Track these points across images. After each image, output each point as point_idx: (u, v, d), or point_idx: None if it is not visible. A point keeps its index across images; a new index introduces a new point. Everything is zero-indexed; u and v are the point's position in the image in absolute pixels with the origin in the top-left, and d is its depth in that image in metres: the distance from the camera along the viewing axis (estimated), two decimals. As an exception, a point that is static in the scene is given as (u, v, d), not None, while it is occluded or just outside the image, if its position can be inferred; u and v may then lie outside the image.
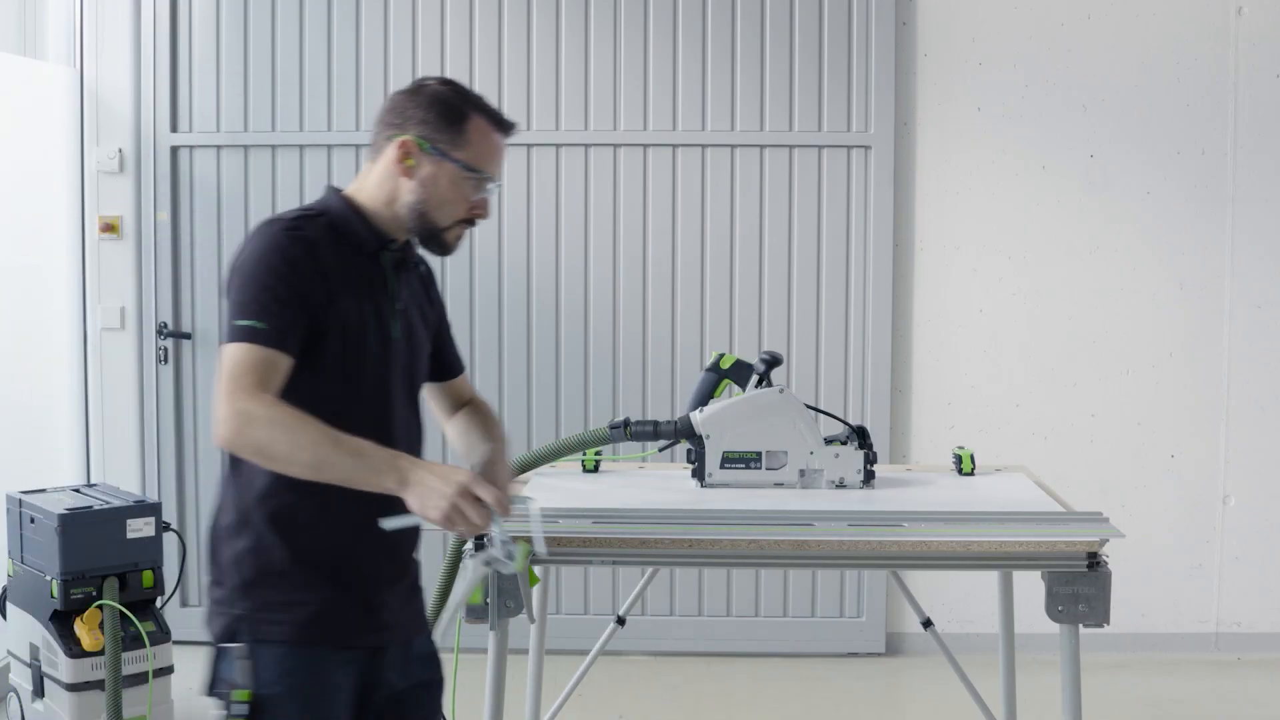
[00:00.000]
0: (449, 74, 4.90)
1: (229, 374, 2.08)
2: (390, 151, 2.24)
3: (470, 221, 2.30)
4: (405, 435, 2.34)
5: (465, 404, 2.66)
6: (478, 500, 2.06)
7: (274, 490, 2.16)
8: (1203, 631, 5.04)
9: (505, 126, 2.29)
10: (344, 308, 2.18)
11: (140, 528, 3.98)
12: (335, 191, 2.28)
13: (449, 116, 2.24)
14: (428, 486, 2.05)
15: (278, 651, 2.16)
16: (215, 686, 2.18)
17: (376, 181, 2.26)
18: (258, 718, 2.14)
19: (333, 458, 2.05)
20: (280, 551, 2.18)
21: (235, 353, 2.09)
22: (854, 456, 3.18)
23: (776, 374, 3.29)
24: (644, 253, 4.96)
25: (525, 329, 4.98)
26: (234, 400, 2.06)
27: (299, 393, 2.12)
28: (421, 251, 2.39)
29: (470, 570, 2.27)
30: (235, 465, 2.21)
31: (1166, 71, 4.90)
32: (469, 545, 2.61)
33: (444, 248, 2.30)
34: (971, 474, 3.34)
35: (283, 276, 2.12)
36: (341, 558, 2.20)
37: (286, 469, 2.07)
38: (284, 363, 2.11)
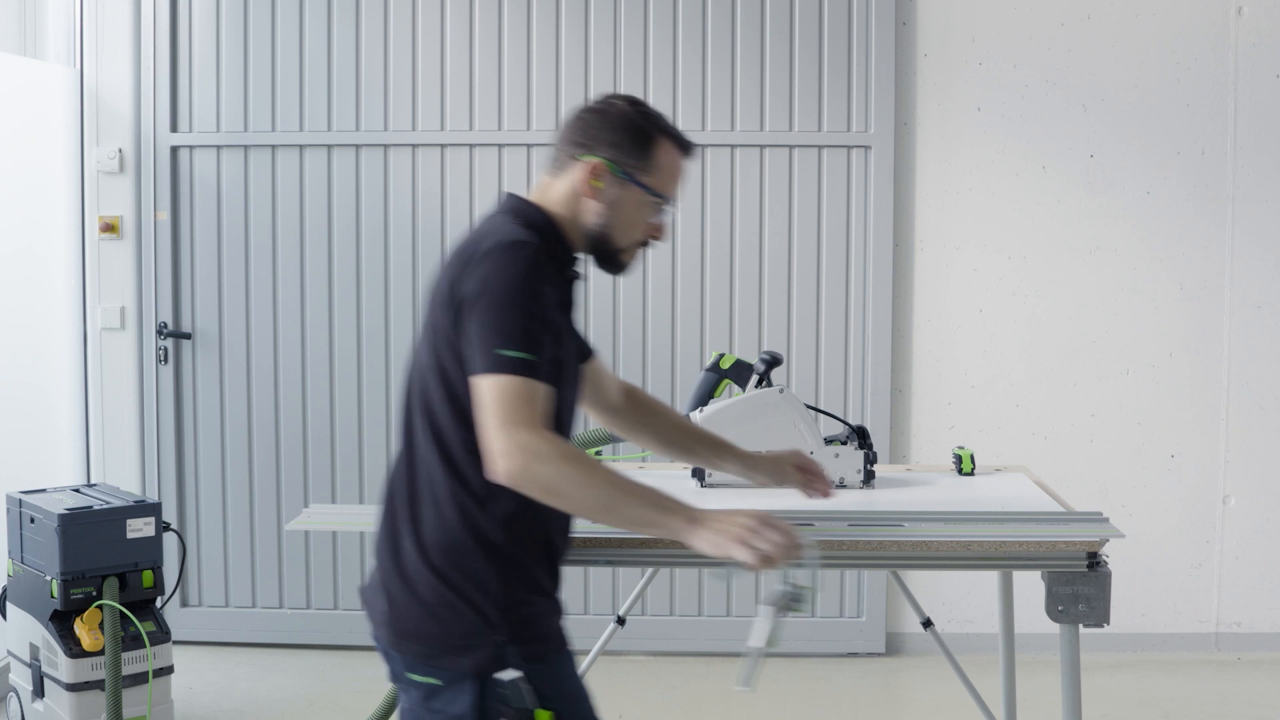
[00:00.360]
0: (449, 74, 4.90)
1: (504, 406, 2.02)
2: (577, 171, 2.23)
3: (645, 243, 2.31)
4: None
5: (615, 392, 2.63)
6: (775, 528, 2.08)
7: (519, 512, 2.14)
8: (1203, 631, 5.04)
9: (688, 149, 2.29)
10: (563, 332, 2.20)
11: (140, 528, 3.98)
12: (534, 207, 2.23)
13: (638, 140, 2.24)
14: (723, 524, 2.06)
15: (548, 667, 2.16)
16: (496, 719, 2.12)
17: (561, 199, 2.24)
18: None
19: (621, 500, 2.05)
20: (528, 567, 2.16)
21: (508, 385, 2.03)
22: (854, 456, 3.18)
23: (776, 374, 3.29)
24: (643, 253, 4.95)
25: (525, 329, 4.97)
26: (514, 434, 2.01)
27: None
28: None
29: (767, 618, 2.18)
30: (458, 489, 2.14)
31: (1166, 71, 4.90)
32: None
33: (619, 268, 2.31)
34: (971, 474, 3.34)
35: (542, 305, 2.08)
36: (556, 559, 2.24)
37: (570, 507, 2.07)
38: (548, 393, 2.08)
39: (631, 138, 2.23)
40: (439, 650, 2.15)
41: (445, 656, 2.14)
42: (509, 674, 2.12)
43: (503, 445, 2.01)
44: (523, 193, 2.28)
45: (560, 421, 2.21)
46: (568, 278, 2.27)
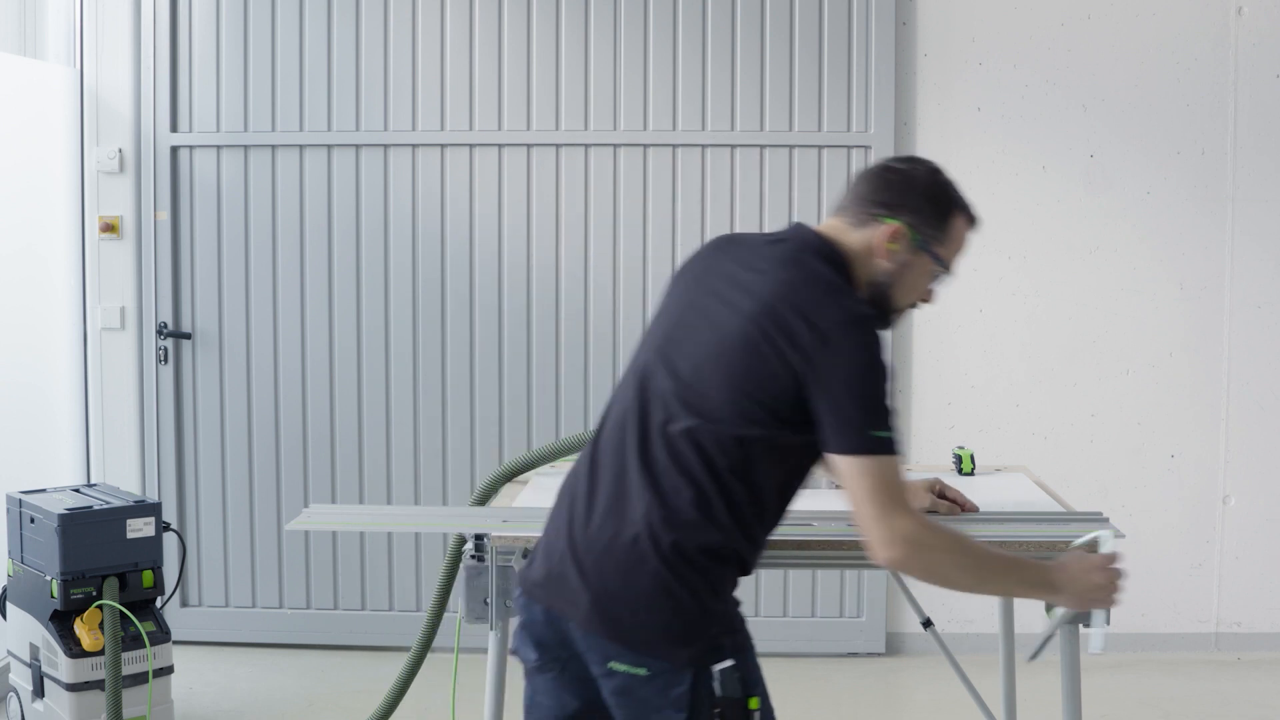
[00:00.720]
0: (449, 74, 4.90)
1: (883, 490, 2.14)
2: (879, 231, 2.27)
3: (915, 305, 2.37)
4: None
5: None
6: (1112, 568, 2.34)
7: (757, 518, 2.25)
8: (1203, 631, 5.04)
9: (976, 223, 2.36)
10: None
11: (140, 528, 3.98)
12: (845, 260, 2.26)
13: (939, 212, 2.30)
14: (1079, 582, 2.31)
15: (753, 656, 2.25)
16: (708, 709, 2.16)
17: (855, 251, 2.28)
18: (768, 714, 2.23)
19: (991, 579, 2.27)
20: (741, 567, 2.28)
21: (882, 468, 2.14)
22: (854, 456, 3.17)
23: (776, 374, 3.28)
24: (644, 253, 4.96)
25: (525, 329, 4.98)
26: (895, 523, 2.14)
27: (796, 463, 2.23)
28: None
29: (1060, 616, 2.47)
30: (726, 504, 2.19)
31: (1166, 71, 4.90)
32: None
33: (889, 325, 2.35)
34: (971, 474, 3.34)
35: (890, 380, 2.19)
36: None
37: (945, 586, 2.23)
38: (902, 465, 2.21)
39: (934, 208, 2.29)
40: (656, 640, 2.17)
41: (662, 646, 2.17)
42: (724, 663, 2.18)
43: (885, 534, 2.15)
44: (816, 227, 2.31)
45: (800, 472, 2.29)
46: None
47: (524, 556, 2.74)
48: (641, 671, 2.17)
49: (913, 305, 2.36)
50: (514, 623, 2.40)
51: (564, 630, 2.26)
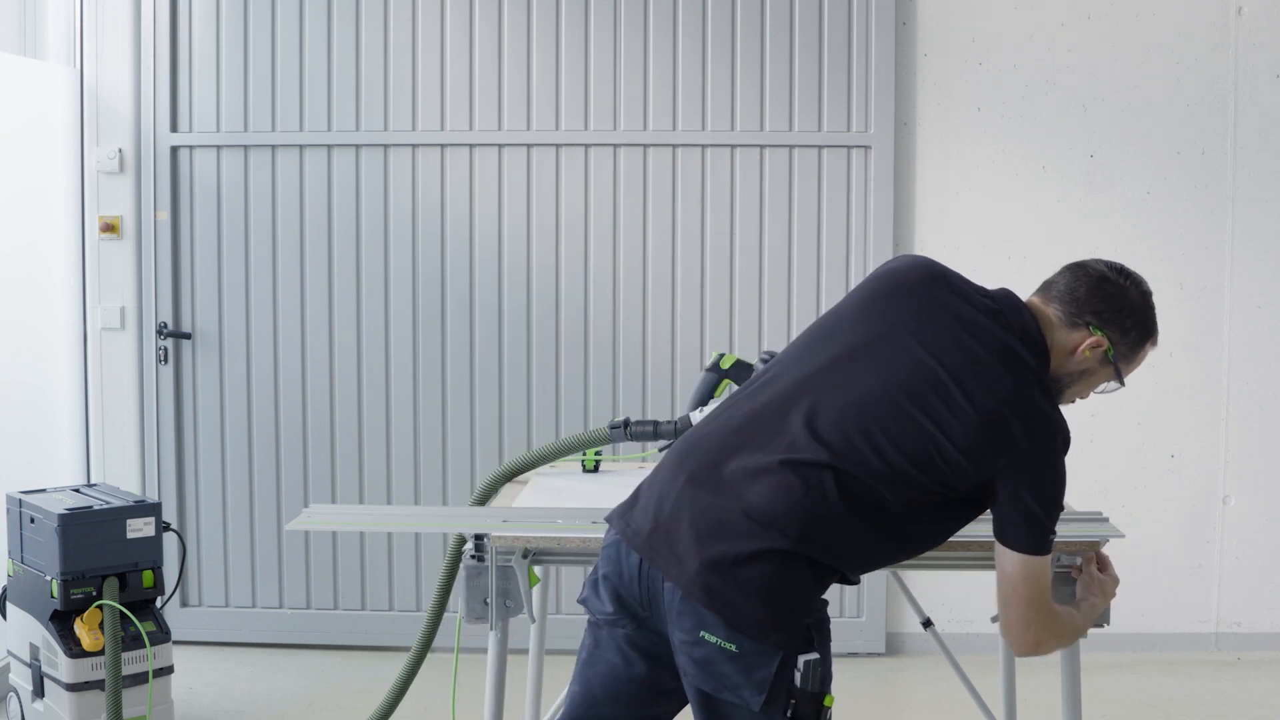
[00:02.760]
0: (449, 74, 4.90)
1: (1043, 589, 2.31)
2: (1084, 338, 2.37)
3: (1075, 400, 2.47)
4: None
5: None
6: (1103, 571, 2.63)
7: (877, 555, 2.37)
8: (1203, 631, 5.04)
9: (1157, 345, 2.50)
10: None
11: (140, 528, 3.98)
12: (1044, 344, 2.35)
13: (1140, 338, 2.42)
14: (1099, 599, 2.57)
15: (830, 655, 2.27)
16: (785, 698, 2.21)
17: (1058, 347, 2.37)
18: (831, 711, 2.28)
19: (1080, 632, 2.50)
20: (844, 578, 2.34)
21: (1042, 568, 2.30)
22: (854, 456, 3.17)
23: (776, 374, 3.28)
24: (644, 253, 4.96)
25: (525, 329, 4.98)
26: (1035, 630, 2.33)
27: (944, 524, 2.36)
28: None
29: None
30: (851, 541, 2.26)
31: (1166, 71, 4.90)
32: None
33: None
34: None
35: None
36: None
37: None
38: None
39: (1137, 332, 2.41)
40: (755, 620, 2.19)
41: (760, 627, 2.19)
42: (811, 655, 2.22)
43: (1022, 636, 2.33)
44: (1028, 301, 2.39)
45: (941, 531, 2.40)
46: None
47: (524, 557, 2.73)
48: (731, 647, 2.20)
49: (1073, 401, 2.46)
50: (590, 570, 2.39)
51: (655, 589, 2.26)
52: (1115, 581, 2.61)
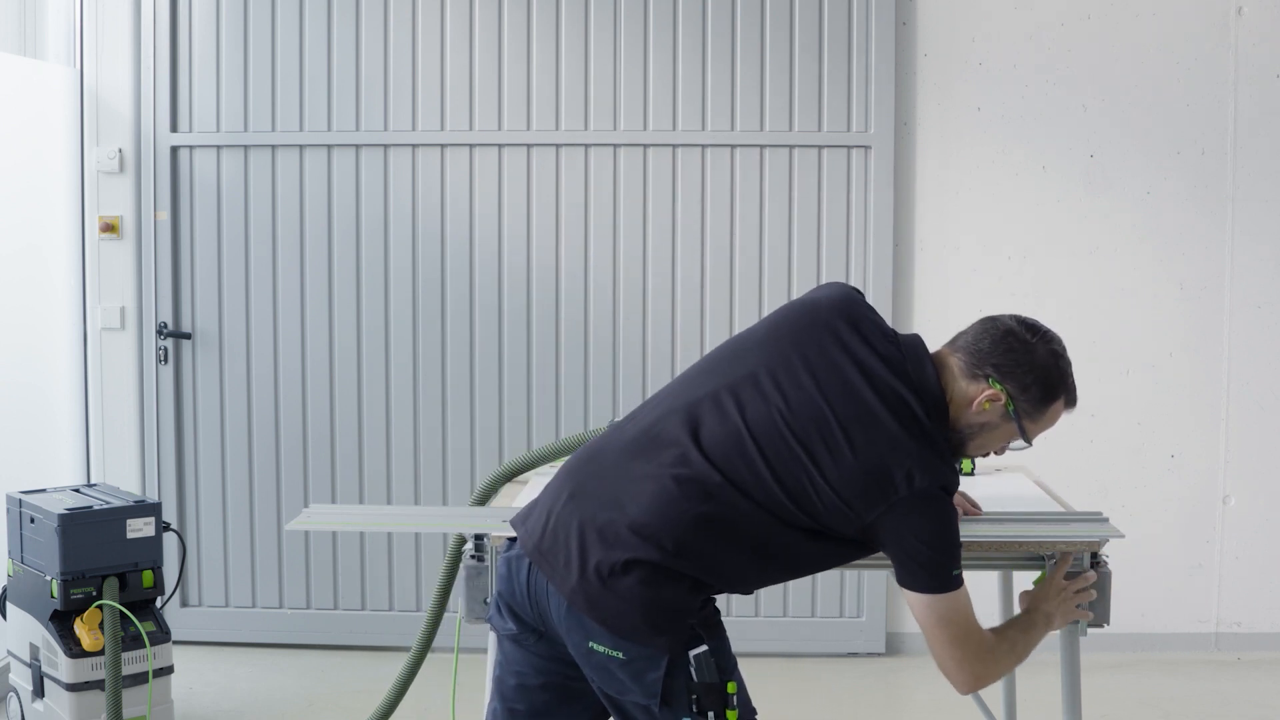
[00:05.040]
0: (449, 74, 4.90)
1: (963, 625, 2.31)
2: (982, 389, 2.36)
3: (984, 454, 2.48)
4: None
5: None
6: (1070, 581, 2.55)
7: (754, 578, 2.37)
8: (1203, 631, 5.04)
9: (1074, 406, 2.45)
10: None
11: (140, 528, 3.98)
12: (941, 398, 2.35)
13: (1046, 396, 2.39)
14: (1055, 606, 2.52)
15: (725, 640, 2.28)
16: (682, 694, 2.22)
17: (958, 400, 2.37)
18: (745, 699, 2.30)
19: (1025, 653, 2.45)
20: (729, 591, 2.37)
21: (956, 604, 2.30)
22: (854, 456, 3.17)
23: (776, 374, 3.28)
24: (644, 253, 4.96)
25: (525, 329, 4.98)
26: (971, 667, 2.35)
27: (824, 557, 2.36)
28: None
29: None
30: (730, 554, 2.27)
31: (1166, 71, 4.90)
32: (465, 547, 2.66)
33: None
34: (971, 474, 3.34)
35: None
36: None
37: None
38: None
39: (1041, 390, 2.38)
40: (635, 626, 2.21)
41: (641, 632, 2.21)
42: (699, 648, 2.22)
43: (958, 675, 2.35)
44: (932, 352, 2.41)
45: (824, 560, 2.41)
46: None
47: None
48: (619, 654, 2.22)
49: (976, 455, 2.46)
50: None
51: (543, 604, 2.29)
52: (1086, 596, 2.57)
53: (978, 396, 2.34)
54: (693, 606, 2.24)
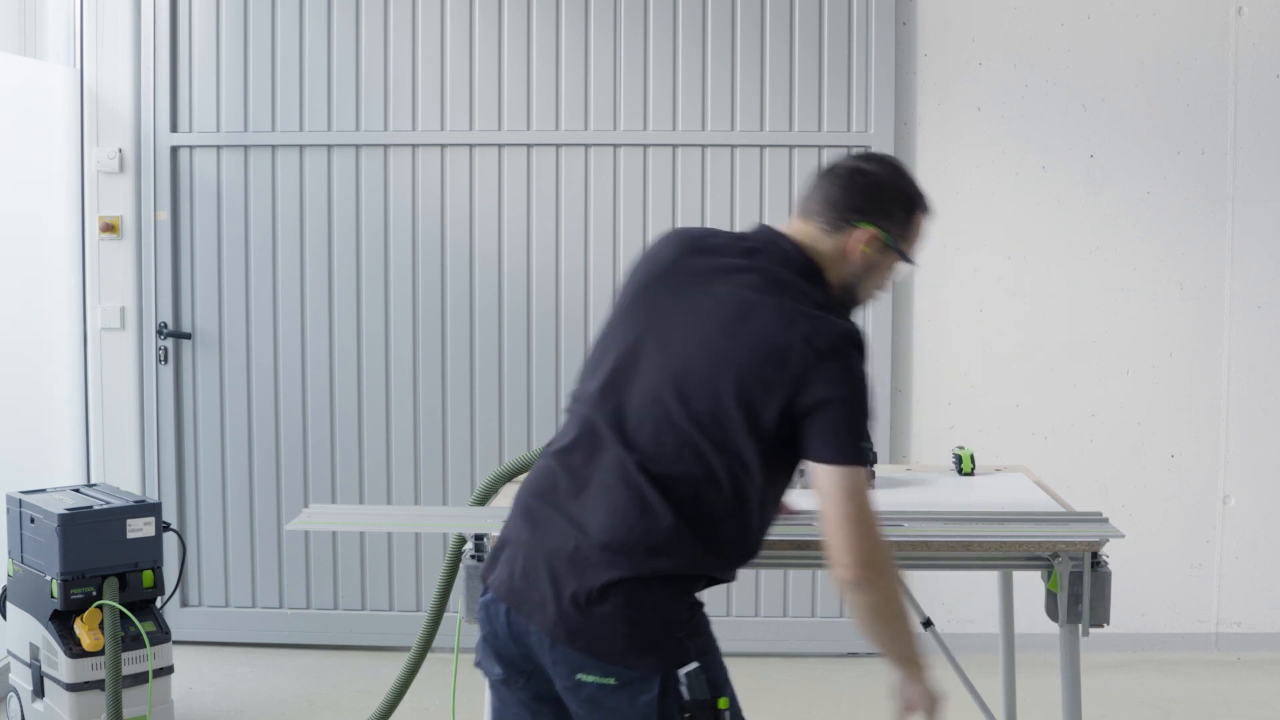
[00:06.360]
0: (449, 74, 4.90)
1: (859, 501, 2.20)
2: (854, 236, 2.32)
3: (876, 296, 2.44)
4: None
5: None
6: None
7: (735, 545, 2.29)
8: (1203, 631, 5.04)
9: (931, 212, 2.44)
10: None
11: (140, 528, 3.98)
12: (813, 264, 2.31)
13: (908, 212, 2.37)
14: (928, 689, 2.42)
15: (717, 656, 2.24)
16: (677, 713, 2.19)
17: (828, 255, 2.32)
18: (736, 713, 2.26)
19: (901, 636, 2.33)
20: (711, 580, 2.29)
21: (857, 478, 2.20)
22: (854, 456, 3.17)
23: (776, 374, 3.28)
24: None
25: (525, 329, 4.98)
26: (863, 546, 2.20)
27: (783, 474, 2.28)
28: None
29: None
30: (701, 527, 2.21)
31: (1166, 71, 4.90)
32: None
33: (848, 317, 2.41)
34: (971, 474, 3.34)
35: (872, 395, 2.25)
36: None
37: (877, 630, 2.28)
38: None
39: (903, 210, 2.36)
40: (624, 650, 2.18)
41: (630, 655, 2.18)
42: (690, 666, 2.19)
43: (844, 557, 2.21)
44: (782, 229, 2.34)
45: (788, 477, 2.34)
46: None
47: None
48: (610, 681, 2.18)
49: (873, 297, 2.41)
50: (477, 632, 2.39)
51: (527, 643, 2.25)
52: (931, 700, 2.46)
53: (853, 244, 2.31)
54: (679, 617, 2.21)
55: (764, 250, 2.30)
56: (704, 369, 2.21)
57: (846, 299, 2.35)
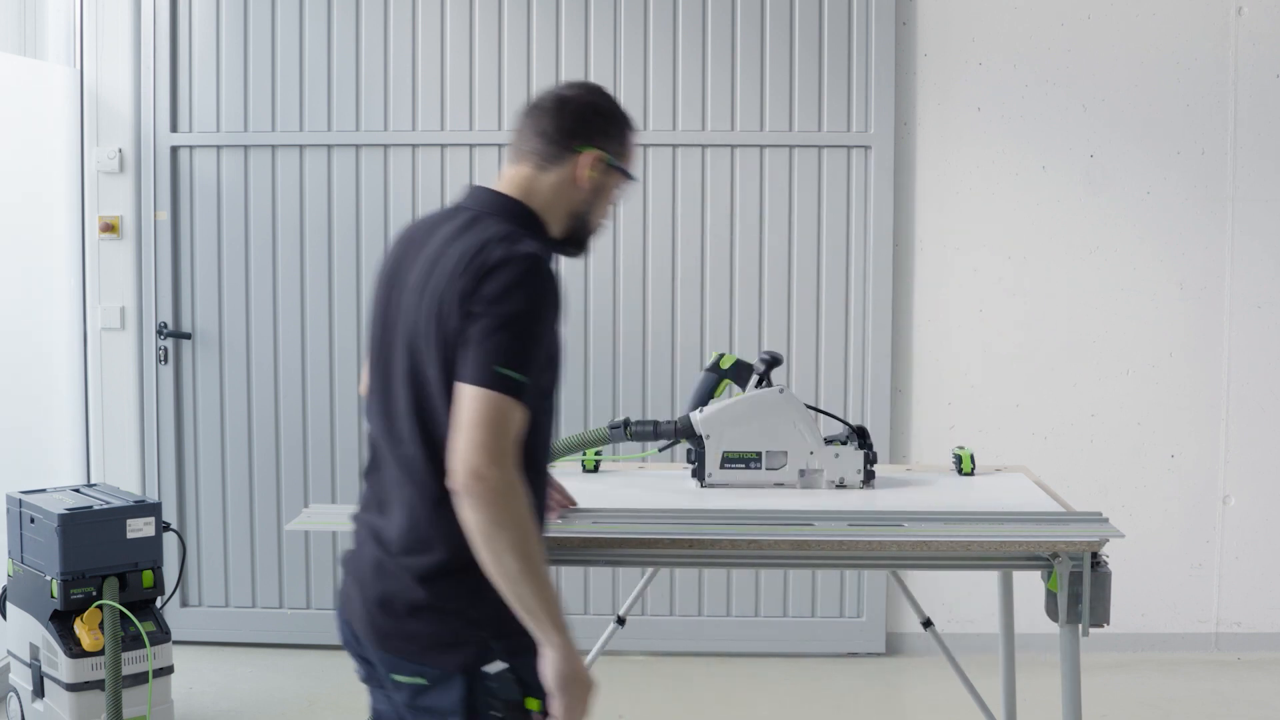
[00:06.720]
0: (449, 74, 4.90)
1: (493, 429, 2.06)
2: (580, 161, 2.29)
3: (606, 221, 2.42)
4: None
5: None
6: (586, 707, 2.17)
7: None
8: (1202, 631, 5.04)
9: (637, 131, 2.42)
10: (560, 334, 2.22)
11: (140, 528, 3.98)
12: (521, 206, 2.27)
13: (620, 129, 2.35)
14: (576, 674, 2.13)
15: (532, 659, 2.18)
16: (486, 712, 2.16)
17: (548, 191, 2.29)
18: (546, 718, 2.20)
19: (530, 582, 2.08)
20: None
21: (499, 405, 2.06)
22: (854, 456, 3.18)
23: (776, 374, 3.29)
24: (644, 253, 4.96)
25: (525, 329, 4.97)
26: (496, 464, 2.05)
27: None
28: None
29: None
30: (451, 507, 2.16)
31: (1166, 71, 4.90)
32: None
33: (585, 249, 2.38)
34: (971, 474, 3.35)
35: (548, 328, 2.14)
36: None
37: (491, 556, 2.07)
38: (525, 419, 2.11)
39: (617, 128, 2.34)
40: (425, 649, 2.18)
41: (432, 654, 2.17)
42: (496, 666, 2.16)
43: (483, 468, 2.05)
44: (493, 185, 2.30)
45: (551, 420, 2.26)
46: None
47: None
48: (421, 681, 2.19)
49: (603, 223, 2.39)
50: None
51: (361, 646, 2.31)
52: (583, 694, 2.18)
53: (580, 169, 2.28)
54: (482, 615, 2.15)
55: (468, 206, 2.27)
56: (416, 346, 2.17)
57: (579, 230, 2.33)
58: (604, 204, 2.35)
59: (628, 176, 2.35)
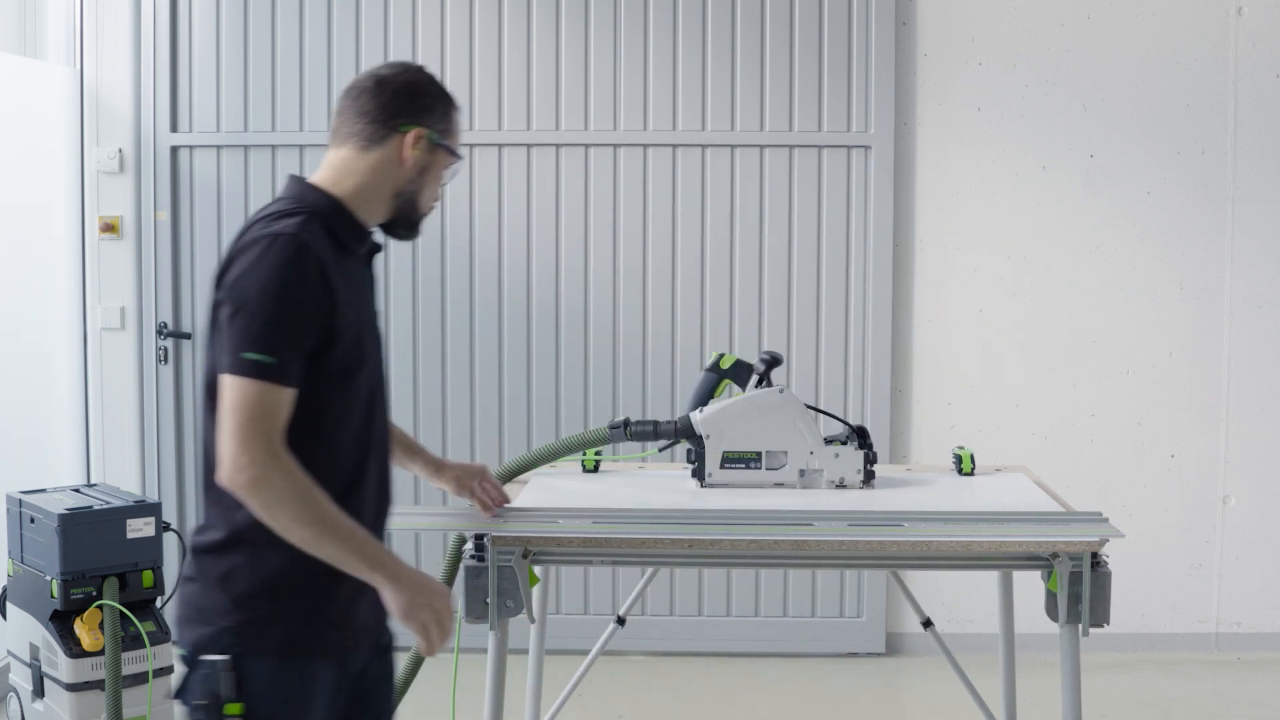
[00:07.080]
0: (449, 74, 4.90)
1: (243, 415, 2.05)
2: (396, 142, 2.26)
3: (434, 204, 2.38)
4: (384, 443, 2.35)
5: None
6: (449, 622, 2.19)
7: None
8: (1203, 631, 5.04)
9: (459, 109, 2.40)
10: (346, 317, 2.17)
11: (140, 528, 3.97)
12: (311, 187, 2.25)
13: (445, 109, 2.33)
14: (415, 594, 2.19)
15: (268, 664, 2.13)
16: (191, 695, 2.13)
17: (369, 172, 2.26)
18: None
19: (332, 537, 2.08)
20: (274, 567, 2.14)
21: (247, 391, 2.06)
22: (854, 456, 3.18)
23: (776, 374, 3.29)
24: (644, 253, 4.96)
25: (525, 329, 4.98)
26: (251, 449, 2.04)
27: (303, 404, 2.11)
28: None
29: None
30: (217, 491, 2.14)
31: (1166, 71, 4.90)
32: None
33: (416, 232, 2.36)
34: (971, 474, 3.34)
35: (296, 304, 2.10)
36: (327, 567, 2.15)
37: (283, 532, 2.07)
38: (290, 397, 2.09)
39: (441, 107, 2.32)
40: (178, 622, 2.20)
41: (181, 628, 2.18)
42: (213, 655, 2.12)
43: (236, 458, 2.04)
44: (309, 173, 2.29)
45: (357, 405, 2.23)
46: (363, 256, 2.29)
47: (524, 557, 2.75)
48: (182, 652, 2.19)
49: (433, 205, 2.36)
50: None
51: None
52: (440, 612, 2.25)
53: (404, 151, 2.25)
54: (234, 600, 2.12)
55: (280, 197, 2.27)
56: (206, 341, 2.21)
57: (407, 210, 2.30)
58: (432, 184, 2.31)
59: (454, 155, 2.32)
